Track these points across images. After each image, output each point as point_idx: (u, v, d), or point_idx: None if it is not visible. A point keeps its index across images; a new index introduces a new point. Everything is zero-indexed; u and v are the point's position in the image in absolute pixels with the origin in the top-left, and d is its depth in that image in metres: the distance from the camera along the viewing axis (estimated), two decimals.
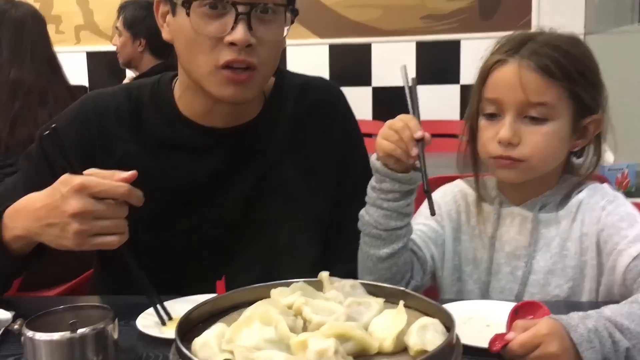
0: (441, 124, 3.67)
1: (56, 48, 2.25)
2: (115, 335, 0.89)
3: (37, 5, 4.18)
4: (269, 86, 1.26)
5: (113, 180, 0.98)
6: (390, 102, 4.04)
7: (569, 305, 1.10)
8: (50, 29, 4.19)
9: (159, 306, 1.08)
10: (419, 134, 1.02)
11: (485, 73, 1.13)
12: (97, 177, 0.98)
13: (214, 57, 1.09)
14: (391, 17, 3.84)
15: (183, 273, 1.20)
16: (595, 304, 1.12)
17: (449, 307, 1.02)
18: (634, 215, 1.10)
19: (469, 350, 0.89)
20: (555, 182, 1.17)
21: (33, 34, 2.06)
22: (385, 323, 0.77)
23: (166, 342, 0.94)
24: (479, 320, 1.03)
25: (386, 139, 1.05)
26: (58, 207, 0.97)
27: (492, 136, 1.11)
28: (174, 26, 1.15)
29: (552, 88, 1.08)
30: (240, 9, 1.07)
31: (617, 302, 0.94)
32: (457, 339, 0.75)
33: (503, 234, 1.19)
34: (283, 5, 1.12)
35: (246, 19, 1.07)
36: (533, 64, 1.07)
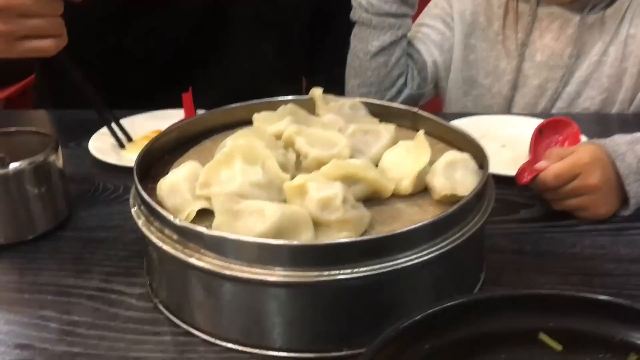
0: None
1: None
2: (60, 165, 0.72)
3: None
4: None
5: None
6: None
7: (598, 119, 0.96)
8: None
9: (114, 126, 0.90)
10: None
11: None
12: None
13: None
14: None
15: (142, 86, 1.00)
16: (624, 117, 0.99)
17: (454, 123, 0.86)
18: None
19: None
20: None
21: None
22: (402, 158, 0.61)
23: (126, 171, 0.78)
24: (493, 139, 0.88)
25: None
26: None
27: None
28: None
29: None
30: None
31: None
32: (491, 179, 0.60)
33: (535, 40, 1.00)
34: None
35: None
36: None
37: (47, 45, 0.79)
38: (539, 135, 0.81)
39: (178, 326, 0.56)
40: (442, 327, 0.41)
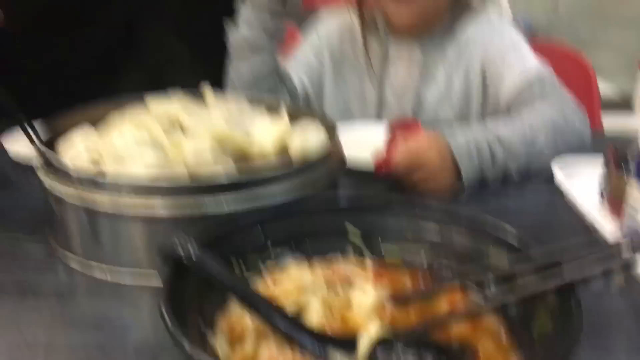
0: None
1: None
2: None
3: None
4: None
5: None
6: None
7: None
8: None
9: (28, 127, 1.00)
10: None
11: None
12: None
13: None
14: None
15: (61, 95, 1.10)
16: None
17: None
18: (518, 43, 1.10)
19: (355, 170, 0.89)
20: (442, 15, 1.13)
21: None
22: (267, 127, 0.74)
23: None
24: (364, 140, 1.03)
25: None
26: None
27: None
28: None
29: None
30: None
31: None
32: (339, 142, 0.74)
33: (391, 70, 1.16)
34: None
35: None
36: None
37: None
38: (393, 133, 0.96)
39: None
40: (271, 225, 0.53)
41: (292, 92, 1.16)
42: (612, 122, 1.43)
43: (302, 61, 1.18)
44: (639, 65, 0.79)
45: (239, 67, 1.10)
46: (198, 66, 1.16)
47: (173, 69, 1.16)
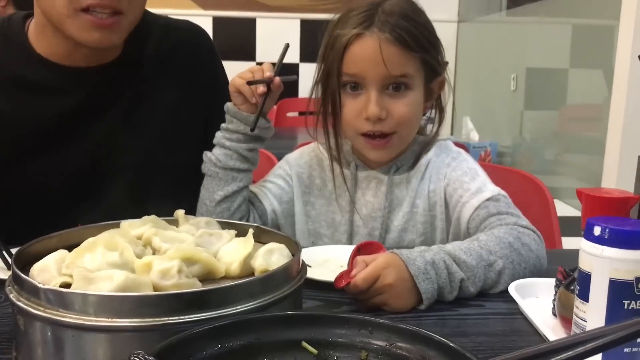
0: None
1: None
2: None
3: None
4: None
5: None
6: None
7: None
8: None
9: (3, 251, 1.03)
10: (268, 74, 1.08)
11: (343, 47, 1.11)
12: None
13: None
14: None
15: (33, 221, 1.14)
16: None
17: (306, 251, 1.05)
18: (475, 170, 1.18)
19: (320, 285, 0.93)
20: (408, 146, 1.21)
21: None
22: (233, 249, 0.78)
23: None
24: (334, 262, 1.08)
25: (240, 76, 1.11)
26: None
27: (358, 112, 1.12)
28: None
29: (410, 59, 1.11)
30: None
31: None
32: (303, 263, 0.78)
33: (360, 197, 1.22)
34: None
35: None
36: (391, 37, 1.09)
37: None
38: (358, 253, 1.00)
39: None
40: (228, 336, 0.55)
41: (261, 215, 1.21)
42: (573, 243, 1.49)
43: (272, 186, 1.24)
44: (577, 195, 0.84)
45: (211, 189, 1.15)
46: (175, 192, 1.22)
47: (150, 195, 1.20)
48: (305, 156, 1.27)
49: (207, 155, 1.16)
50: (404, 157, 1.20)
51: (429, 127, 1.24)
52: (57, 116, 1.15)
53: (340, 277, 0.90)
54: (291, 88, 4.29)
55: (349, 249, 1.13)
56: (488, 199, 1.09)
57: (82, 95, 1.16)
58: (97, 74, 1.17)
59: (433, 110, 1.22)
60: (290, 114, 3.77)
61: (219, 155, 1.14)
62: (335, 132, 1.20)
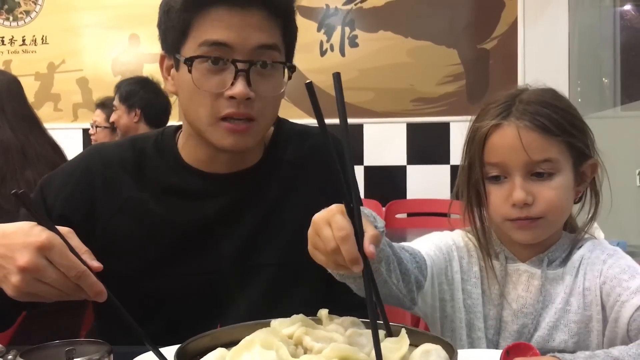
0: (432, 202, 3.74)
1: (53, 125, 2.27)
2: None
3: (37, 85, 4.39)
4: (269, 134, 1.30)
5: (81, 254, 0.93)
6: (381, 181, 4.12)
7: None
8: (49, 106, 4.35)
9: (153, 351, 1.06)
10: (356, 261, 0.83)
11: (483, 139, 1.13)
12: (63, 245, 0.91)
13: (214, 109, 1.13)
14: (383, 100, 3.98)
15: (178, 320, 1.18)
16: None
17: None
18: (634, 267, 1.11)
19: None
20: (558, 237, 1.17)
21: (2, 93, 2.07)
22: (388, 348, 0.76)
23: None
24: None
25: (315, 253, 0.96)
26: (13, 251, 0.91)
27: (504, 199, 1.11)
28: (177, 80, 1.20)
29: (552, 143, 1.10)
30: (240, 65, 1.12)
31: None
32: None
33: (510, 291, 1.17)
34: (281, 63, 1.18)
35: (245, 75, 1.12)
36: (530, 123, 1.09)
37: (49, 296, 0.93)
38: (507, 356, 0.94)
39: None
40: None
41: (420, 263, 1.13)
42: None
43: (429, 252, 1.18)
44: None
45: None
46: (307, 293, 1.23)
47: (287, 294, 1.22)
48: (455, 243, 1.22)
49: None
50: (555, 251, 1.16)
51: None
52: (202, 219, 1.21)
53: None
54: (399, 189, 4.29)
55: (493, 353, 1.08)
56: None
57: (225, 200, 1.23)
58: (239, 178, 1.24)
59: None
60: (398, 216, 3.77)
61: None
62: (482, 224, 1.19)
